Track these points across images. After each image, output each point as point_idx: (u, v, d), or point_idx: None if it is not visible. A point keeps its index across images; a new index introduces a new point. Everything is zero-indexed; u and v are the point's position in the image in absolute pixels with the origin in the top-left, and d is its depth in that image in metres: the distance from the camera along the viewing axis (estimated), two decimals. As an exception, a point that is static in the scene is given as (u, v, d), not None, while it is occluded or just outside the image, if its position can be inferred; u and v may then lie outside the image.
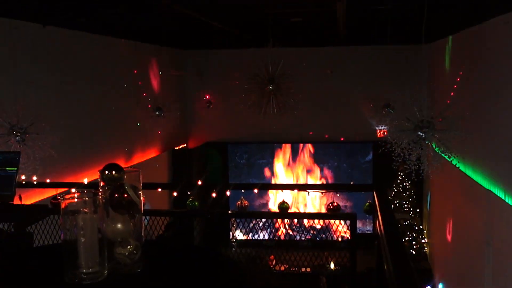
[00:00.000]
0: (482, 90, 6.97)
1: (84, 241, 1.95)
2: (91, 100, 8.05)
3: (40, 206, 5.65)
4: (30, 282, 2.06)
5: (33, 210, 5.18)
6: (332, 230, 5.31)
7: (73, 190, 4.89)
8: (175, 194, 5.72)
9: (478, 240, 7.03)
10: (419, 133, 5.27)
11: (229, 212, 6.87)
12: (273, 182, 13.15)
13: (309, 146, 13.07)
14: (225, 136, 12.79)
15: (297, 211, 12.55)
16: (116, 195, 2.05)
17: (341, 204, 10.80)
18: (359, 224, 12.37)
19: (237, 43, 10.78)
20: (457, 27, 7.97)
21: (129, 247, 2.05)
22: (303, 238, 12.38)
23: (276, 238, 12.07)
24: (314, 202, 13.02)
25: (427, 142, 5.35)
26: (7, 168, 4.16)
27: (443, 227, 9.76)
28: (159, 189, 7.13)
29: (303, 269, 5.50)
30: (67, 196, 2.01)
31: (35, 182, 5.56)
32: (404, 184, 11.40)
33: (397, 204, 11.33)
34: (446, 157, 5.43)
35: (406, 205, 11.34)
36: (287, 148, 13.17)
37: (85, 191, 2.07)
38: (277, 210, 5.31)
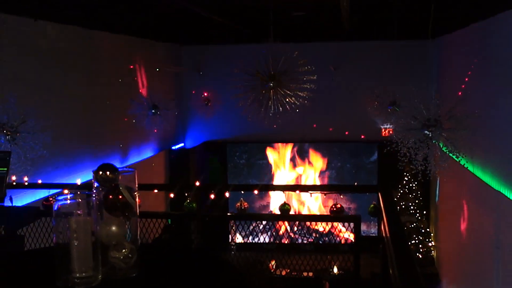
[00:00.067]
0: (492, 87, 6.96)
1: (77, 245, 1.96)
2: (84, 97, 8.05)
3: (31, 208, 5.65)
4: (21, 287, 2.06)
5: (24, 212, 5.18)
6: (335, 232, 5.32)
7: (65, 191, 4.90)
8: (172, 195, 5.72)
9: (487, 243, 7.03)
10: (426, 132, 5.27)
11: (228, 214, 6.86)
12: (274, 183, 13.15)
13: (311, 146, 13.06)
14: (224, 135, 12.80)
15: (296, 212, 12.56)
16: (111, 196, 2.06)
17: (344, 206, 10.78)
18: (363, 227, 12.41)
19: (237, 38, 10.79)
20: (466, 21, 7.96)
21: (124, 250, 2.05)
22: (305, 241, 12.38)
23: (277, 241, 12.07)
24: (316, 203, 13.02)
25: (434, 141, 5.35)
26: (-3, 169, 4.16)
27: (451, 230, 9.76)
28: (156, 190, 7.14)
29: (305, 274, 5.50)
30: (60, 198, 2.02)
31: (26, 183, 5.56)
32: (410, 185, 11.41)
33: (403, 206, 11.33)
34: (454, 157, 5.44)
35: (412, 207, 11.34)
36: (288, 147, 13.16)
37: (79, 193, 2.07)
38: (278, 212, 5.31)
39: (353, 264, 4.48)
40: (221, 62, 12.11)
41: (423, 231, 11.20)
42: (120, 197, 2.06)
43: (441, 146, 5.44)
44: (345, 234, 9.02)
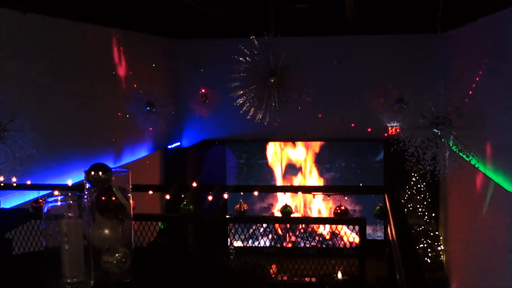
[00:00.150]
0: (504, 83, 6.96)
1: (68, 249, 1.95)
2: (76, 94, 8.05)
3: (20, 210, 5.65)
4: (9, 293, 2.06)
5: (12, 214, 5.18)
6: (339, 236, 5.32)
7: (56, 192, 4.90)
8: (167, 197, 5.72)
9: (499, 246, 7.04)
10: (435, 130, 5.27)
11: (227, 216, 6.86)
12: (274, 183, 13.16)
13: (315, 145, 13.07)
14: (223, 133, 12.80)
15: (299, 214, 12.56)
16: (103, 198, 2.05)
17: (349, 208, 10.78)
18: (368, 230, 12.42)
19: (236, 31, 10.78)
20: (475, 14, 7.96)
21: (117, 255, 2.05)
22: (307, 245, 12.39)
23: (278, 245, 12.08)
24: (319, 205, 13.03)
25: (443, 140, 5.35)
26: (-16, 169, 4.16)
27: (461, 233, 9.76)
28: (150, 192, 7.14)
29: (308, 279, 5.51)
30: (50, 199, 2.01)
31: (14, 184, 5.56)
32: (418, 186, 11.41)
33: (411, 208, 11.34)
34: (464, 156, 5.43)
35: (420, 209, 11.35)
36: (290, 146, 13.18)
37: (69, 194, 2.07)
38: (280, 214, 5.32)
39: (358, 269, 4.48)
40: (219, 57, 12.10)
41: (431, 234, 11.20)
42: (113, 198, 2.05)
43: (451, 145, 5.44)
44: (349, 237, 9.01)
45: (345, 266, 5.10)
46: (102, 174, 2.07)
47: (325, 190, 12.91)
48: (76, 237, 1.97)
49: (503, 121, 6.81)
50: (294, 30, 10.32)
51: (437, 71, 10.96)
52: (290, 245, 12.31)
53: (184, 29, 11.57)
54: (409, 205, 11.34)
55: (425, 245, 11.09)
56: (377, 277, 6.50)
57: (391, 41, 11.49)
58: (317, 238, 12.44)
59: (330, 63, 11.87)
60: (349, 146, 12.87)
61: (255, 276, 6.94)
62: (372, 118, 11.78)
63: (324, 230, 12.30)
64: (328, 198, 12.02)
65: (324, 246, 12.21)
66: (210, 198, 5.19)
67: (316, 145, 13.08)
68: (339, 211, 5.01)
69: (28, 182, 5.78)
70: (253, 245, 12.04)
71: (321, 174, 13.11)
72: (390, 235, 3.63)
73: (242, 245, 11.58)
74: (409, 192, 11.44)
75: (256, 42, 6.54)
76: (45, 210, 1.98)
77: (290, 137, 12.80)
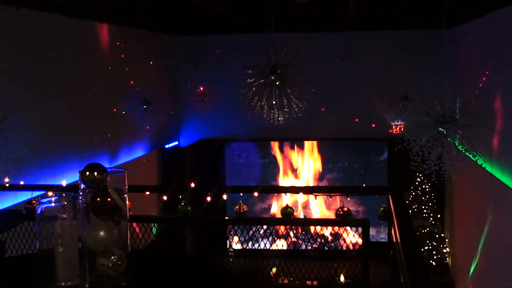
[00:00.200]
0: None
1: (62, 251, 1.96)
2: (70, 92, 8.05)
3: (13, 212, 5.66)
4: (1, 297, 2.06)
5: (5, 216, 5.18)
6: (342, 238, 5.32)
7: (50, 193, 4.90)
8: (165, 198, 5.72)
9: (507, 249, 7.04)
10: (440, 129, 5.27)
11: (226, 218, 6.86)
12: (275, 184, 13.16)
13: (317, 144, 13.07)
14: (222, 132, 12.79)
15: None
16: (99, 199, 2.05)
17: (352, 209, 10.77)
18: (372, 232, 12.38)
19: (235, 27, 10.79)
20: (483, 9, 7.96)
21: (113, 257, 2.05)
22: (309, 247, 12.39)
23: (279, 248, 12.08)
24: (321, 206, 13.03)
25: (449, 139, 5.35)
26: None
27: (468, 235, 9.76)
28: (147, 192, 7.14)
29: (309, 282, 5.51)
30: (44, 200, 2.02)
31: (7, 185, 5.56)
32: (423, 186, 11.41)
33: (415, 209, 11.33)
34: (470, 156, 5.43)
35: (425, 211, 11.34)
36: (291, 146, 13.18)
37: (64, 195, 2.07)
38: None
39: (361, 272, 4.48)
40: (218, 54, 12.11)
41: (437, 236, 11.20)
42: (109, 199, 2.06)
43: (457, 144, 5.44)
44: (352, 239, 9.01)
45: (347, 269, 5.10)
46: (97, 174, 2.08)
47: (327, 190, 12.91)
48: (71, 239, 1.98)
49: (511, 119, 6.81)
50: (296, 26, 10.32)
51: (442, 68, 10.96)
52: (286, 245, 12.32)
53: (183, 26, 11.56)
54: (413, 206, 11.34)
55: (430, 247, 11.09)
56: (380, 280, 6.50)
57: (395, 37, 11.49)
58: (319, 240, 12.43)
59: (332, 60, 11.87)
60: (352, 146, 12.87)
61: (255, 279, 6.94)
62: (375, 116, 11.77)
63: (327, 231, 12.30)
64: (330, 198, 12.04)
65: (326, 248, 12.22)
66: (208, 199, 5.19)
67: (318, 144, 13.07)
68: (341, 212, 5.01)
69: (21, 183, 5.78)
70: (253, 247, 12.05)
71: (323, 174, 13.10)
72: (394, 237, 3.64)
73: (241, 247, 11.61)
74: (413, 193, 11.43)
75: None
76: (39, 212, 1.98)
77: (291, 136, 12.79)
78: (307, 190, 9.44)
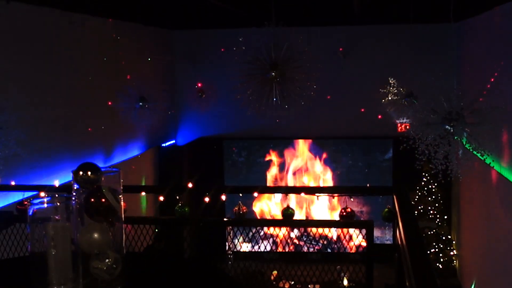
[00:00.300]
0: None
1: (55, 254, 1.95)
2: (63, 89, 8.05)
3: (3, 213, 5.65)
4: (-8, 302, 2.07)
5: (-5, 217, 5.17)
6: (345, 240, 5.33)
7: (42, 194, 4.90)
8: (161, 198, 5.72)
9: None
10: (447, 127, 5.27)
11: (225, 219, 6.86)
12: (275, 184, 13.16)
13: (319, 142, 13.07)
14: (220, 130, 12.80)
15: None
16: (93, 199, 2.05)
17: (356, 209, 10.78)
18: (376, 233, 12.44)
19: (234, 21, 10.77)
20: (490, 3, 7.95)
21: (107, 260, 2.05)
22: (311, 250, 12.40)
23: (280, 249, 12.10)
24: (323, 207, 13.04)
25: (456, 137, 5.35)
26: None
27: (475, 237, 9.76)
28: (143, 193, 7.15)
29: (311, 286, 5.51)
30: (36, 201, 2.01)
31: (-2, 185, 5.56)
32: (430, 186, 11.41)
33: (421, 210, 11.34)
34: (478, 155, 5.43)
35: (431, 211, 11.35)
36: (293, 144, 13.18)
37: (57, 195, 2.07)
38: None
39: (365, 275, 4.48)
40: (216, 49, 12.10)
41: (443, 238, 11.21)
42: (103, 200, 2.06)
43: (464, 142, 5.44)
44: (356, 241, 9.04)
45: (351, 272, 5.10)
46: (91, 174, 2.08)
47: (330, 190, 12.92)
48: (64, 242, 1.98)
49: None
50: (297, 20, 10.31)
51: (449, 64, 10.96)
52: (287, 247, 12.33)
53: (180, 19, 11.55)
54: (419, 207, 11.34)
55: (437, 249, 11.10)
56: (385, 284, 6.50)
57: (400, 32, 11.47)
58: (321, 241, 12.45)
59: (335, 55, 11.87)
60: (356, 144, 12.87)
61: (255, 282, 6.95)
62: (380, 113, 11.77)
63: (329, 233, 12.31)
64: (333, 198, 12.05)
65: (329, 250, 12.23)
66: (207, 199, 5.19)
67: (320, 143, 13.07)
68: (345, 213, 5.01)
69: (13, 183, 5.78)
70: (253, 250, 12.07)
71: (326, 173, 13.10)
72: (399, 239, 3.64)
73: (241, 250, 11.64)
74: (419, 193, 11.44)
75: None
76: (31, 213, 1.98)
77: (292, 134, 12.79)
78: (309, 190, 9.45)
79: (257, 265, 5.51)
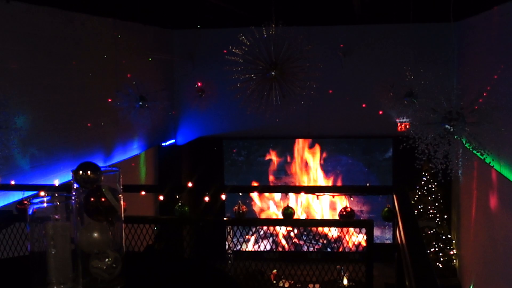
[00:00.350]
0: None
1: (54, 253, 1.95)
2: (63, 88, 8.05)
3: (3, 212, 5.65)
4: (-9, 301, 2.07)
5: (-5, 216, 5.17)
6: (345, 239, 5.32)
7: (42, 193, 4.90)
8: (161, 198, 5.72)
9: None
10: (447, 126, 5.27)
11: (225, 219, 6.86)
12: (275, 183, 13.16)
13: (319, 141, 13.07)
14: (220, 130, 12.79)
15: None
16: (92, 199, 2.05)
17: (355, 209, 10.78)
18: (376, 233, 12.44)
19: (234, 21, 10.77)
20: (490, 2, 7.95)
21: (107, 260, 2.05)
22: (311, 249, 12.40)
23: (280, 249, 12.10)
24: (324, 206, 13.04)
25: (456, 136, 5.35)
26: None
27: (476, 236, 9.76)
28: (143, 192, 7.13)
29: (311, 285, 5.51)
30: (35, 201, 2.01)
31: (-3, 184, 5.56)
32: (429, 186, 11.41)
33: (421, 210, 11.34)
34: (478, 154, 5.43)
35: (431, 211, 11.35)
36: (292, 143, 13.17)
37: (56, 195, 2.07)
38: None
39: (365, 275, 4.48)
40: (216, 48, 12.08)
41: (443, 237, 11.21)
42: (103, 199, 2.05)
43: (464, 142, 5.44)
44: (356, 241, 9.02)
45: (351, 271, 5.10)
46: (91, 173, 2.08)
47: (330, 190, 12.92)
48: (63, 241, 1.97)
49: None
50: (297, 19, 10.31)
51: (449, 63, 10.95)
52: (286, 247, 12.34)
53: (179, 19, 11.56)
54: (419, 207, 11.35)
55: (437, 249, 11.10)
56: (385, 283, 6.52)
57: (400, 31, 11.47)
58: (321, 241, 12.45)
59: (335, 54, 11.86)
60: (355, 143, 12.88)
61: (255, 282, 6.95)
62: (380, 113, 11.77)
63: (329, 232, 12.31)
64: (333, 198, 12.05)
65: (329, 250, 12.23)
66: (206, 199, 5.19)
67: (320, 142, 13.07)
68: (344, 213, 5.01)
69: (12, 182, 5.78)
70: (253, 249, 12.07)
71: (326, 172, 13.11)
72: (399, 238, 3.64)
73: (241, 249, 11.64)
74: (419, 193, 11.44)
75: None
76: (30, 212, 1.98)
77: (292, 134, 12.79)
78: (309, 189, 9.45)
79: (257, 265, 5.50)
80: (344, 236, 5.24)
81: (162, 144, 12.13)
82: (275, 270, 8.81)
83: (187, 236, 5.92)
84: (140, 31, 10.58)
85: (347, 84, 12.12)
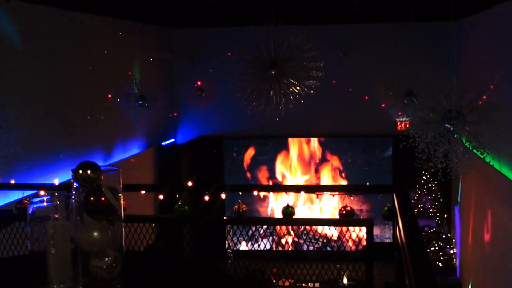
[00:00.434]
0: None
1: (54, 252, 1.95)
2: (63, 87, 8.05)
3: (3, 212, 5.65)
4: (-9, 300, 2.07)
5: (-5, 216, 5.17)
6: (345, 238, 5.32)
7: (42, 192, 4.90)
8: (161, 197, 5.72)
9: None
10: (447, 125, 5.27)
11: (225, 218, 6.87)
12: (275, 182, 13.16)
13: (319, 140, 13.07)
14: (220, 129, 12.79)
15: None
16: (92, 198, 2.05)
17: (355, 208, 10.79)
18: (376, 232, 12.44)
19: (234, 20, 10.77)
20: (490, 1, 7.95)
21: (107, 259, 2.05)
22: (311, 248, 12.39)
23: (280, 248, 12.10)
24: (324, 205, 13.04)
25: (456, 135, 5.35)
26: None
27: (476, 235, 9.77)
28: (143, 192, 7.14)
29: (311, 285, 5.51)
30: (35, 200, 2.01)
31: (-3, 184, 5.56)
32: (429, 185, 11.42)
33: (421, 209, 11.34)
34: (478, 153, 5.43)
35: (431, 210, 11.35)
36: (293, 143, 13.18)
37: (56, 194, 2.07)
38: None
39: (365, 274, 4.48)
40: (216, 48, 12.09)
41: (443, 236, 11.21)
42: (103, 199, 2.05)
43: (464, 141, 5.43)
44: (356, 240, 9.01)
45: (351, 271, 5.10)
46: (90, 172, 2.08)
47: (330, 189, 12.92)
48: (63, 240, 1.97)
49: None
50: (297, 18, 10.30)
51: (449, 62, 10.94)
52: (287, 246, 12.33)
53: (179, 18, 11.55)
54: (419, 206, 11.35)
55: (437, 248, 11.10)
56: (385, 282, 6.51)
57: (400, 30, 11.46)
58: (321, 240, 12.45)
59: (335, 53, 11.86)
60: (355, 142, 12.88)
61: (255, 281, 6.95)
62: (380, 112, 11.77)
63: (329, 231, 12.32)
64: (333, 197, 12.04)
65: (329, 249, 12.23)
66: (206, 198, 5.19)
67: (320, 141, 13.07)
68: (344, 212, 5.01)
69: (12, 182, 5.78)
70: (253, 249, 12.06)
71: (326, 171, 13.11)
72: (399, 237, 3.64)
73: (240, 248, 11.63)
74: (419, 192, 11.45)
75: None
76: (30, 211, 1.98)
77: (292, 133, 12.79)
78: (308, 188, 9.46)
79: (257, 264, 5.50)
80: (344, 235, 5.24)
81: (162, 143, 12.13)
82: (275, 269, 8.81)
83: (187, 235, 5.92)
84: (140, 30, 10.57)
85: (347, 83, 12.11)
